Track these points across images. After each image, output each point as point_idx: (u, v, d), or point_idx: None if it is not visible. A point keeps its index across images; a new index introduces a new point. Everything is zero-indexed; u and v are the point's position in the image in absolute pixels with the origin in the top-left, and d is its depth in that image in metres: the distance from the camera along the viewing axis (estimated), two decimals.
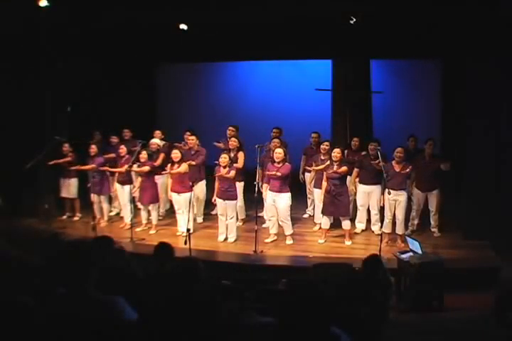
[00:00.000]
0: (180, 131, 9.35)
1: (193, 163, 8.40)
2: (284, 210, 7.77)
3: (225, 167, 7.78)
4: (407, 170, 7.56)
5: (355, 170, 8.11)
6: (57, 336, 2.56)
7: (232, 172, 7.74)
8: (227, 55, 10.58)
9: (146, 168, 8.31)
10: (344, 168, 7.60)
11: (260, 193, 7.86)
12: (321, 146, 8.19)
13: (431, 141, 8.03)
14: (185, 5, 8.56)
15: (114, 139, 9.40)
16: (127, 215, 8.59)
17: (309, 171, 8.60)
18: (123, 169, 8.46)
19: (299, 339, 2.22)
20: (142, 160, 8.37)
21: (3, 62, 8.72)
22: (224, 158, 7.77)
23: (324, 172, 7.78)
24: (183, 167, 8.02)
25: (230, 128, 8.94)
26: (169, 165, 8.19)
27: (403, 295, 6.10)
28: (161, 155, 8.81)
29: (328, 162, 7.76)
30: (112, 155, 9.09)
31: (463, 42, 8.03)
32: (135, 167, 8.39)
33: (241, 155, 8.46)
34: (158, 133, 9.31)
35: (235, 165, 8.02)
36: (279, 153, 7.69)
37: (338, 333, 2.31)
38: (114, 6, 8.60)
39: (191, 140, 8.69)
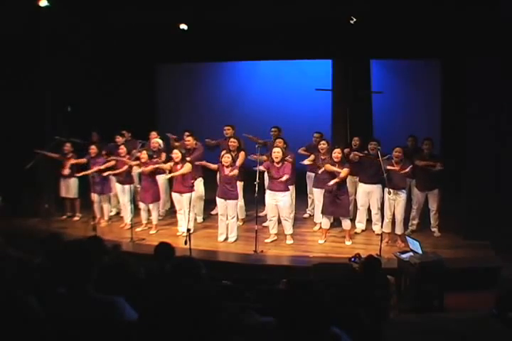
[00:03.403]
0: (180, 130, 9.36)
1: (188, 158, 8.39)
2: (286, 208, 7.79)
3: (227, 166, 7.78)
4: (407, 169, 7.54)
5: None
6: (58, 336, 2.56)
7: (235, 171, 7.75)
8: (227, 55, 10.58)
9: (167, 165, 8.19)
10: (346, 172, 7.56)
11: (261, 193, 7.85)
12: (319, 146, 8.20)
13: (427, 141, 8.03)
14: (185, 5, 8.56)
15: (119, 139, 9.38)
16: (127, 215, 8.60)
17: (312, 171, 8.60)
18: (150, 168, 8.25)
19: (299, 339, 2.22)
20: (143, 160, 8.37)
21: (3, 62, 8.72)
22: (227, 158, 7.77)
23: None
24: (187, 167, 8.00)
25: (227, 127, 8.95)
26: (171, 164, 8.18)
27: (403, 295, 6.10)
28: (163, 155, 8.81)
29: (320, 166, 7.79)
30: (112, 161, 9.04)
31: (463, 43, 8.03)
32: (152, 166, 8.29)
33: (242, 154, 8.46)
34: (154, 134, 9.29)
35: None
36: (277, 152, 7.67)
37: (338, 333, 2.31)
38: (113, 6, 8.61)
39: (188, 140, 8.70)
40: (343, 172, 7.52)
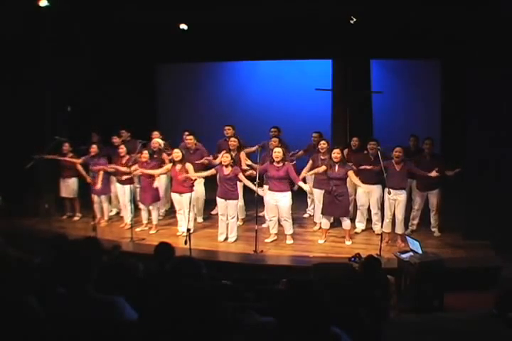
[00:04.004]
0: (180, 130, 9.36)
1: (210, 158, 8.44)
2: (286, 209, 7.77)
3: (227, 166, 7.77)
4: (433, 173, 7.43)
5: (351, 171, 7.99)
6: (58, 336, 2.56)
7: (245, 174, 7.76)
8: (226, 55, 10.58)
9: (162, 170, 8.30)
10: (351, 175, 7.62)
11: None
12: (319, 146, 8.19)
13: (428, 140, 8.02)
14: (185, 5, 8.56)
15: (116, 139, 9.38)
16: (127, 215, 8.59)
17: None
18: (159, 171, 8.33)
19: (299, 339, 2.22)
20: (143, 159, 8.36)
21: (3, 62, 8.72)
22: (226, 158, 7.75)
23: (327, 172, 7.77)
24: (190, 168, 7.99)
25: (227, 127, 8.95)
26: (168, 167, 8.17)
27: (403, 295, 6.10)
28: (164, 155, 8.79)
29: (323, 166, 7.76)
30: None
31: (463, 42, 8.03)
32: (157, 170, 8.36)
33: (242, 154, 8.46)
34: (156, 134, 9.28)
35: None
36: (278, 152, 7.65)
37: (338, 333, 2.31)
38: (113, 6, 8.61)
39: (189, 139, 8.69)
40: (351, 175, 7.62)
